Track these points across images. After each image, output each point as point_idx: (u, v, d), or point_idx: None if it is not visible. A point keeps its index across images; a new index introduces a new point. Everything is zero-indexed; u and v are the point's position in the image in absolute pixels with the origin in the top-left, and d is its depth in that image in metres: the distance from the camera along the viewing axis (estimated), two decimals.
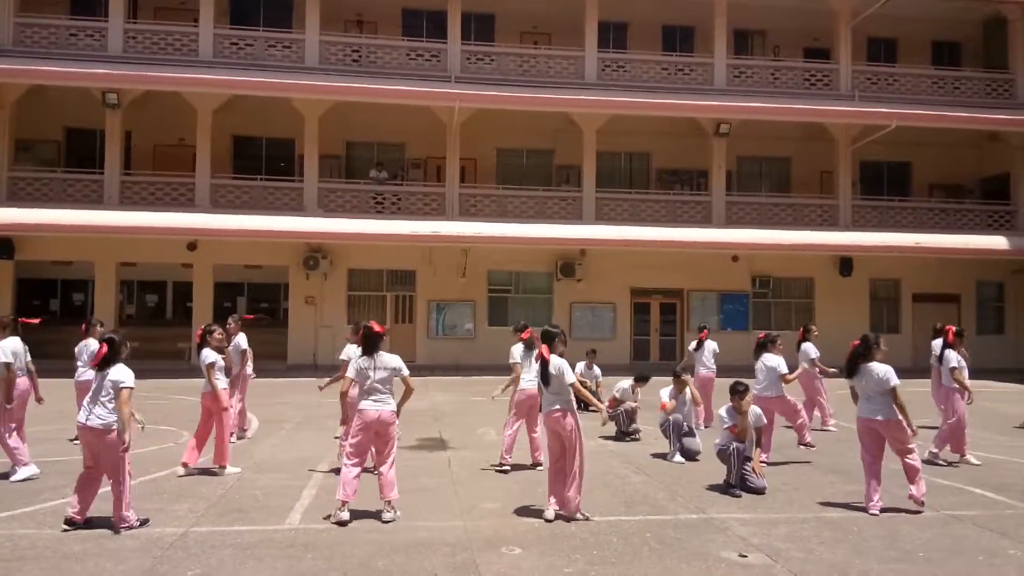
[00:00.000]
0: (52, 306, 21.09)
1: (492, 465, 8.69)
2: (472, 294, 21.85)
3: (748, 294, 22.90)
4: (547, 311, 21.80)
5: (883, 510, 6.89)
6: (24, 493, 7.36)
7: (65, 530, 6.10)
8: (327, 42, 20.61)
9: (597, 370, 13.55)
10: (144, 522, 6.29)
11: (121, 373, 6.25)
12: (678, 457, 9.20)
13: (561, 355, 6.86)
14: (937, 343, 10.42)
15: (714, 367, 12.04)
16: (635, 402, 10.79)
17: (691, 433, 9.49)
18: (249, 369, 10.88)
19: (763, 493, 7.57)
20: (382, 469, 6.60)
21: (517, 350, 8.65)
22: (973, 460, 9.10)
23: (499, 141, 22.47)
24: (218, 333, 8.73)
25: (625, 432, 10.62)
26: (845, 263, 22.61)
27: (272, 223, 19.38)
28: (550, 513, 6.56)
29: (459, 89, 19.98)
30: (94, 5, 20.51)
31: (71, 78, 18.73)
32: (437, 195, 20.94)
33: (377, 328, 6.72)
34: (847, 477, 8.24)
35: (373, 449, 6.77)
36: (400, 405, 6.66)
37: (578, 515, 6.58)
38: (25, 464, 7.94)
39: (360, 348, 6.77)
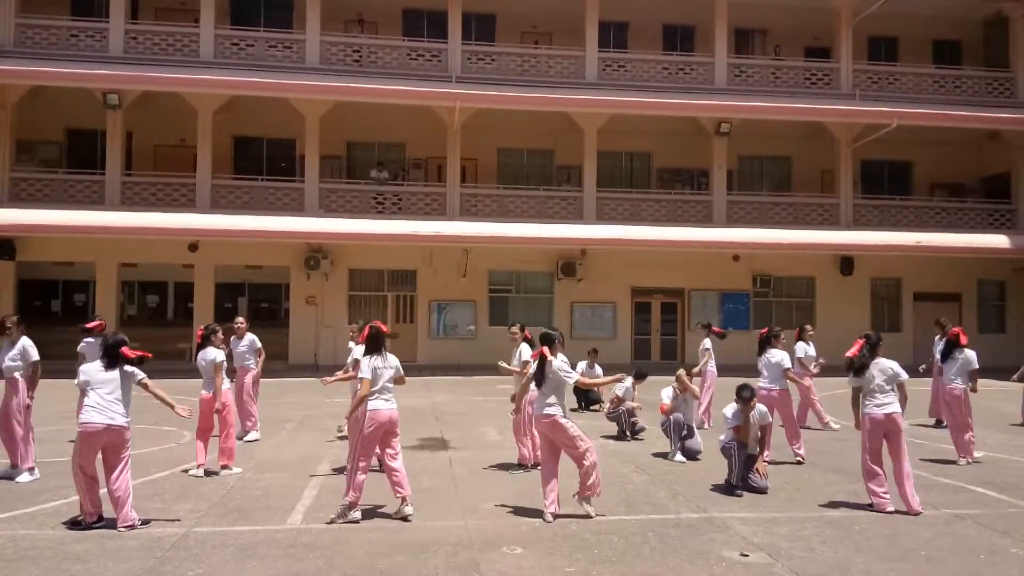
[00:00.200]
0: (53, 307, 21.11)
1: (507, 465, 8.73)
2: (473, 294, 21.85)
3: (749, 293, 22.89)
4: (548, 311, 21.82)
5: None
6: (25, 494, 7.37)
7: (87, 527, 6.17)
8: (328, 42, 20.61)
9: (598, 369, 13.58)
10: (146, 522, 6.31)
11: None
12: (679, 456, 9.19)
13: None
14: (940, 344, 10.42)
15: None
16: (634, 401, 10.77)
17: (692, 432, 9.48)
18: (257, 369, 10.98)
19: (765, 493, 7.57)
20: (395, 465, 6.64)
21: (527, 350, 8.60)
22: (961, 461, 9.09)
23: (500, 141, 22.47)
24: (221, 333, 8.79)
25: (627, 431, 10.62)
26: (846, 262, 22.59)
27: (273, 223, 19.38)
28: (548, 515, 6.57)
29: (460, 89, 19.98)
30: (95, 6, 20.52)
31: (72, 79, 18.74)
32: (438, 195, 20.94)
33: (385, 328, 6.89)
34: (848, 476, 8.23)
35: (377, 447, 6.78)
36: None
37: (588, 506, 6.63)
38: (30, 467, 7.98)
39: (366, 348, 6.79)
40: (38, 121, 20.42)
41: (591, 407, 13.26)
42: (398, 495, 6.60)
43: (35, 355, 8.13)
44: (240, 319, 11.17)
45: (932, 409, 12.06)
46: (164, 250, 20.12)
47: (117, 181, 19.70)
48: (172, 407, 6.60)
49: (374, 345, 6.73)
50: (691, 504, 7.21)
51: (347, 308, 21.23)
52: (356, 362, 7.54)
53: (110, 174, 19.71)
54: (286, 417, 12.38)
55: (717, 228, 21.41)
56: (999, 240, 21.92)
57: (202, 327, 8.81)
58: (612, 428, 10.80)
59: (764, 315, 22.45)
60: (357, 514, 6.48)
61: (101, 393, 6.30)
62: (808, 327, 12.06)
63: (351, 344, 8.15)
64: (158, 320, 21.54)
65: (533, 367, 6.93)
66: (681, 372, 9.75)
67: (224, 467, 8.26)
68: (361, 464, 6.53)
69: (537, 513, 6.66)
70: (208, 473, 8.10)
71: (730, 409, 7.94)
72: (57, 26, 19.70)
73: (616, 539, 6.08)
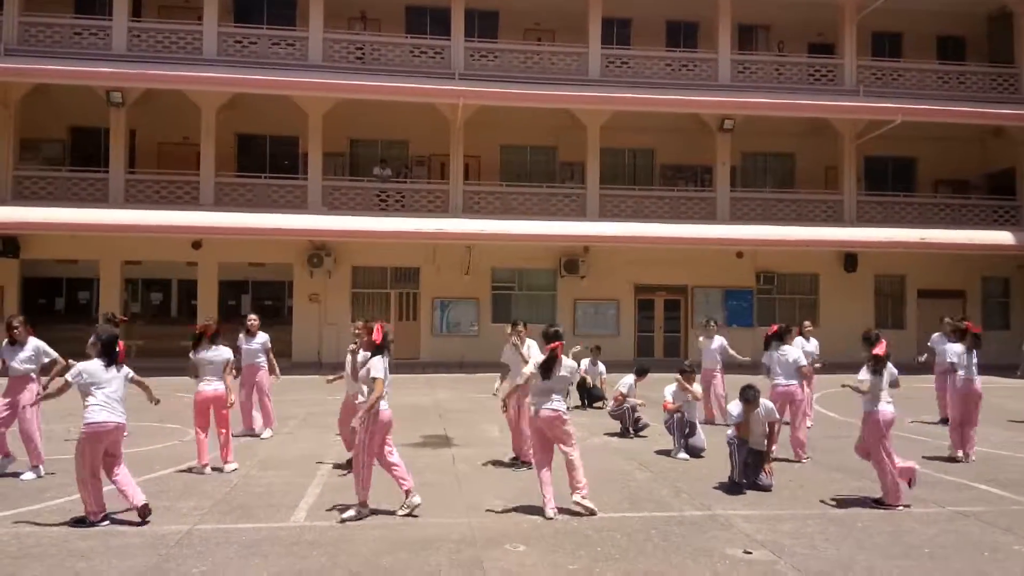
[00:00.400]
0: (57, 305, 21.17)
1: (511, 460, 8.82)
2: (476, 291, 21.86)
3: (753, 290, 22.85)
4: (551, 308, 21.81)
5: (878, 501, 7.05)
6: (29, 491, 7.40)
7: (91, 524, 6.22)
8: (331, 40, 20.61)
9: (601, 366, 13.65)
10: (145, 513, 6.33)
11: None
12: (682, 454, 9.20)
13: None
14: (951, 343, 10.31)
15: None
16: (636, 398, 10.77)
17: (695, 430, 9.48)
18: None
19: (769, 490, 7.58)
20: (395, 460, 6.73)
21: (535, 347, 8.49)
22: (960, 456, 9.09)
23: (503, 138, 22.45)
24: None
25: (630, 428, 10.61)
26: (850, 259, 22.54)
27: (276, 221, 19.39)
28: (550, 512, 6.57)
29: (463, 86, 19.95)
30: (98, 4, 20.52)
31: (75, 77, 18.76)
32: (441, 192, 20.95)
33: (387, 328, 7.01)
34: (852, 474, 8.23)
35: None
36: None
37: (588, 502, 6.67)
38: (34, 466, 8.01)
39: (378, 348, 6.74)
40: (42, 119, 20.44)
41: (593, 404, 13.26)
42: (403, 487, 6.64)
43: (54, 353, 8.27)
44: (253, 317, 10.99)
45: (943, 406, 11.85)
46: (168, 248, 20.14)
47: (121, 179, 19.72)
48: (150, 395, 6.90)
49: (386, 346, 6.79)
50: (694, 501, 7.21)
51: (350, 306, 21.25)
52: (356, 364, 7.51)
53: (114, 172, 19.74)
54: (289, 414, 12.40)
55: (720, 225, 21.37)
56: (1003, 237, 21.85)
57: (205, 323, 8.85)
58: (615, 425, 10.80)
59: (768, 312, 22.39)
60: (367, 511, 6.55)
61: (107, 392, 6.33)
62: (807, 323, 12.02)
63: (352, 345, 8.01)
64: (162, 318, 21.57)
65: (536, 360, 7.03)
66: (681, 375, 9.79)
67: (225, 463, 8.32)
68: (368, 463, 6.59)
69: (540, 510, 6.64)
70: (214, 469, 8.14)
71: (735, 406, 7.97)
72: (60, 24, 19.71)
73: (619, 536, 6.09)
